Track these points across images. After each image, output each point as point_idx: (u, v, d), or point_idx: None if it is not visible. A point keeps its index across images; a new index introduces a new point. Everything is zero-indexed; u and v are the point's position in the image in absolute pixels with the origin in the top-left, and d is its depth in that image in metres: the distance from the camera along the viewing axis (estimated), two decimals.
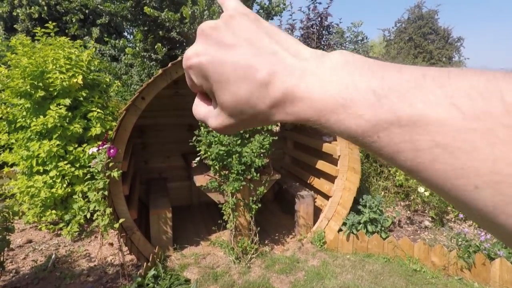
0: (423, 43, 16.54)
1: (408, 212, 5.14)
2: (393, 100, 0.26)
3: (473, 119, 0.23)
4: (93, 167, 3.38)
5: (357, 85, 0.28)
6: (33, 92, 4.25)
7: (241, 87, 0.32)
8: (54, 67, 4.31)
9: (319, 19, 7.48)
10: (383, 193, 5.48)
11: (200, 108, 0.40)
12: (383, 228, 4.28)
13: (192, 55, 0.36)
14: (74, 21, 11.02)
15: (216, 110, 0.37)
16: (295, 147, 5.99)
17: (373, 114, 0.27)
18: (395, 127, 0.26)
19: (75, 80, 4.34)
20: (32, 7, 10.56)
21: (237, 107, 0.33)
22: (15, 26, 10.76)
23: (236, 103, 0.33)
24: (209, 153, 3.80)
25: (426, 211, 5.05)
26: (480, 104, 0.23)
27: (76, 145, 4.40)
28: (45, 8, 10.65)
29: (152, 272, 3.36)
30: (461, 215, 4.57)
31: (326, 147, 4.61)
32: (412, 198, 5.18)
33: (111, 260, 4.00)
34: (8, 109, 4.61)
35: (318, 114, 0.30)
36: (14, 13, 10.62)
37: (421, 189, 4.77)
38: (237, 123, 0.35)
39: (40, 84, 4.28)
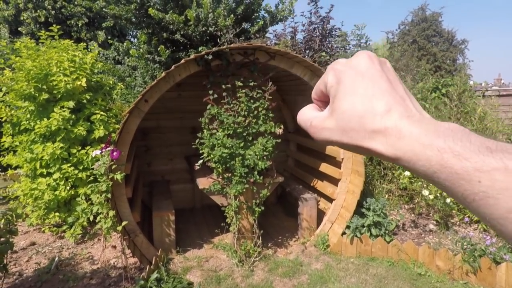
0: (427, 45, 16.50)
1: (413, 215, 5.10)
2: (505, 155, 0.29)
3: None
4: (96, 170, 3.38)
5: (471, 140, 0.31)
6: (37, 94, 4.27)
7: (362, 102, 0.38)
8: (58, 69, 4.32)
9: (321, 22, 7.47)
10: (387, 196, 5.44)
11: (308, 111, 0.45)
12: (387, 232, 4.25)
13: (343, 64, 0.42)
14: (80, 25, 11.08)
15: (326, 112, 0.42)
16: (298, 150, 5.97)
17: (480, 159, 0.29)
18: (500, 173, 0.28)
19: (78, 83, 4.36)
20: (38, 11, 10.63)
21: (348, 115, 0.38)
22: (19, 29, 10.84)
23: (349, 111, 0.38)
24: (212, 156, 3.79)
25: (431, 215, 5.01)
26: None
27: (80, 148, 4.41)
28: (52, 12, 10.72)
29: (155, 275, 3.35)
30: (466, 219, 4.52)
31: (330, 150, 4.59)
32: (416, 201, 5.14)
33: (114, 263, 3.99)
34: (12, 111, 4.63)
35: (421, 151, 0.33)
36: (22, 17, 10.68)
37: (425, 192, 4.73)
38: (337, 128, 0.40)
39: (44, 86, 4.30)
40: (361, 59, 0.41)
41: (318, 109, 0.45)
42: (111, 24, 9.82)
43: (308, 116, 0.44)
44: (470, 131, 0.33)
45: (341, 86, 0.40)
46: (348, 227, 4.28)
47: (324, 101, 0.44)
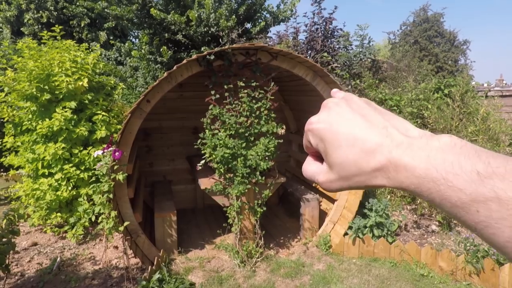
0: (429, 46, 16.46)
1: (415, 216, 5.09)
2: (496, 182, 0.29)
3: None
4: (98, 170, 3.38)
5: (462, 165, 0.31)
6: (39, 95, 4.27)
7: (351, 151, 0.38)
8: (60, 70, 4.32)
9: (324, 23, 7.47)
10: (389, 196, 5.42)
11: (310, 166, 0.46)
12: (389, 232, 4.23)
13: (315, 122, 0.43)
14: (82, 26, 11.10)
15: (325, 167, 0.43)
16: (300, 150, 5.96)
17: (474, 190, 0.30)
18: (494, 203, 0.28)
19: (80, 83, 4.36)
20: (41, 11, 10.66)
21: (344, 166, 0.39)
22: (22, 29, 10.87)
23: (344, 163, 0.39)
24: (214, 156, 3.79)
25: (433, 215, 4.99)
26: None
27: (81, 148, 4.41)
28: (54, 13, 10.74)
29: (156, 275, 3.34)
30: None
31: None
32: (418, 202, 5.13)
33: (116, 263, 3.99)
34: (14, 112, 4.63)
35: (420, 182, 0.33)
36: (24, 18, 10.70)
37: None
38: (341, 179, 0.40)
39: (46, 87, 4.30)
40: (330, 110, 0.42)
41: (315, 159, 0.47)
42: (113, 25, 9.83)
43: (312, 171, 0.46)
44: (461, 147, 0.33)
45: (326, 143, 0.41)
46: (350, 227, 4.26)
47: (316, 151, 0.45)
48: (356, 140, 0.38)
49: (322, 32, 7.48)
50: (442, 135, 0.35)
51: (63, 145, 4.25)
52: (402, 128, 0.38)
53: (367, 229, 4.17)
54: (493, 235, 0.29)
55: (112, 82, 5.14)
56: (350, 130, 0.39)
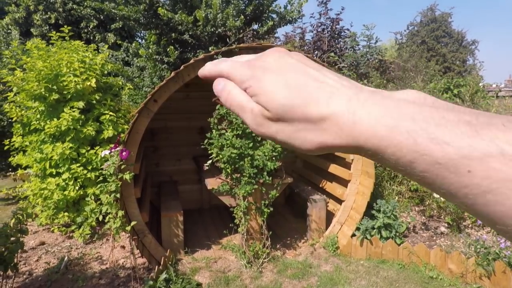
0: (436, 46, 16.34)
1: (423, 217, 5.03)
2: (495, 132, 0.23)
3: None
4: (105, 170, 3.38)
5: (444, 115, 0.25)
6: (47, 95, 4.29)
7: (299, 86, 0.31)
8: (68, 70, 4.34)
9: (331, 23, 7.45)
10: (397, 198, 5.37)
11: (239, 96, 0.35)
12: (397, 234, 4.18)
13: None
14: (91, 27, 11.17)
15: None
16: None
17: (466, 143, 0.23)
18: (496, 161, 0.22)
19: (88, 83, 4.37)
20: (49, 13, 10.75)
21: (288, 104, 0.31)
22: (31, 30, 10.97)
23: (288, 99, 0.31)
24: (221, 156, 3.77)
25: (442, 217, 4.93)
26: None
27: (89, 148, 4.42)
28: (63, 14, 10.84)
29: (163, 275, 3.34)
30: (479, 222, 4.43)
31: None
32: (427, 203, 5.07)
33: (122, 263, 3.99)
34: (23, 111, 4.67)
35: (388, 136, 0.26)
36: (33, 20, 10.80)
37: (436, 194, 4.66)
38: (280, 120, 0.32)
39: (54, 87, 4.32)
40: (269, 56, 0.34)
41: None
42: (120, 25, 9.89)
43: (239, 100, 0.36)
44: (435, 100, 0.28)
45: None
46: (358, 228, 4.22)
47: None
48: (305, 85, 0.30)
49: (329, 32, 7.45)
50: (404, 91, 0.30)
51: (71, 144, 4.27)
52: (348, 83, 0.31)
53: (375, 230, 4.13)
54: (489, 203, 0.22)
55: (120, 82, 5.16)
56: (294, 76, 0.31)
